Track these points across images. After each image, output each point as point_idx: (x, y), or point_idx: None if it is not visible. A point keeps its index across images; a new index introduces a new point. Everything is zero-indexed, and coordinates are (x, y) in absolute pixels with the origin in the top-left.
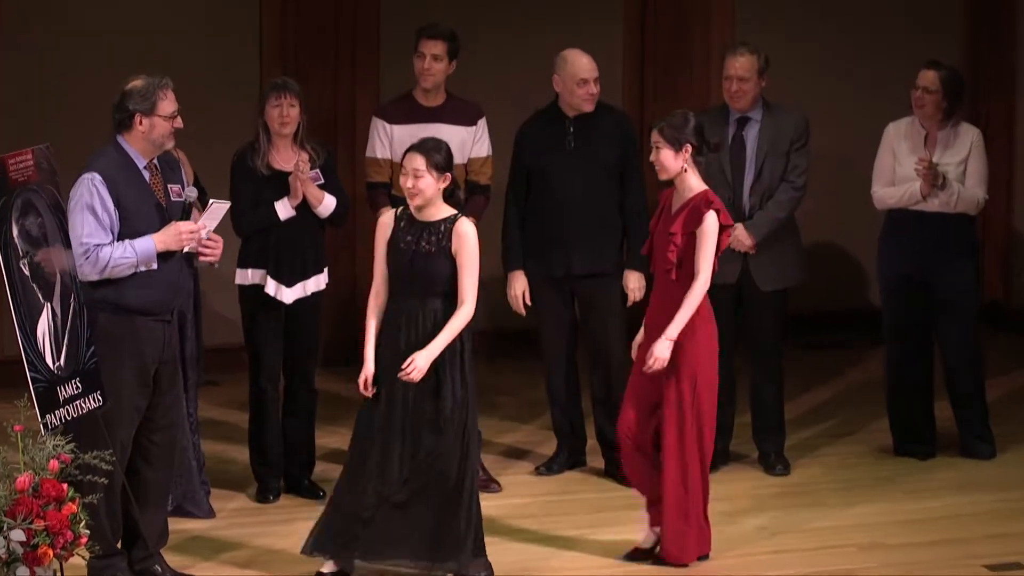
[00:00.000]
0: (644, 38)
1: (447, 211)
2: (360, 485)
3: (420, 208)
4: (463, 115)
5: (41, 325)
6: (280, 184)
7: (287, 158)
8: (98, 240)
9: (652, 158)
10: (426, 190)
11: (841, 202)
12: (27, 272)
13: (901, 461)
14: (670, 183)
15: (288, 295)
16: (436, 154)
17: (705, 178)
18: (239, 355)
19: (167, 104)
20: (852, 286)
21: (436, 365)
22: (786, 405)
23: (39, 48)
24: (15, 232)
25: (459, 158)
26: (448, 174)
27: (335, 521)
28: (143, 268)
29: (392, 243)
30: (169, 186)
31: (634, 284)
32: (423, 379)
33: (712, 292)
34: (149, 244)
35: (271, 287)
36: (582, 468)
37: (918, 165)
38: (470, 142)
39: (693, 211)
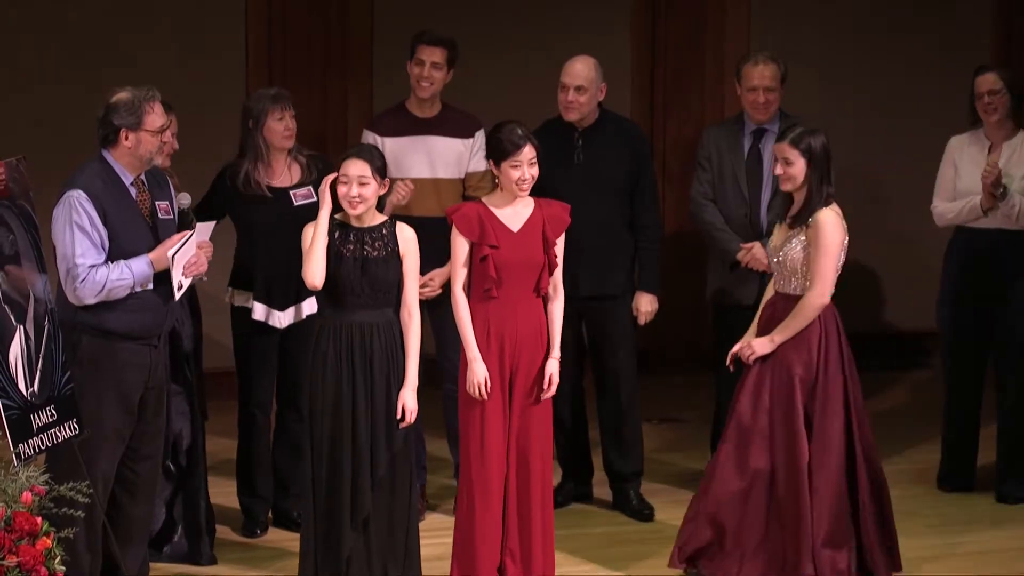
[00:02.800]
0: (654, 50)
1: (381, 216)
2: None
3: (359, 216)
4: (459, 127)
5: (13, 349)
6: (277, 205)
7: (282, 173)
8: (92, 260)
9: (527, 176)
10: (371, 197)
11: (861, 220)
12: None
13: (926, 493)
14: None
15: (281, 319)
16: (377, 159)
17: (718, 194)
18: (229, 380)
19: (154, 118)
20: (873, 308)
21: (389, 389)
22: None
23: (18, 59)
24: None
25: (456, 172)
26: (387, 179)
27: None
28: (139, 289)
29: (331, 254)
30: (157, 203)
31: (646, 307)
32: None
33: (729, 314)
34: (145, 265)
35: (259, 312)
36: (588, 501)
37: (987, 167)
38: (467, 155)
39: (555, 221)
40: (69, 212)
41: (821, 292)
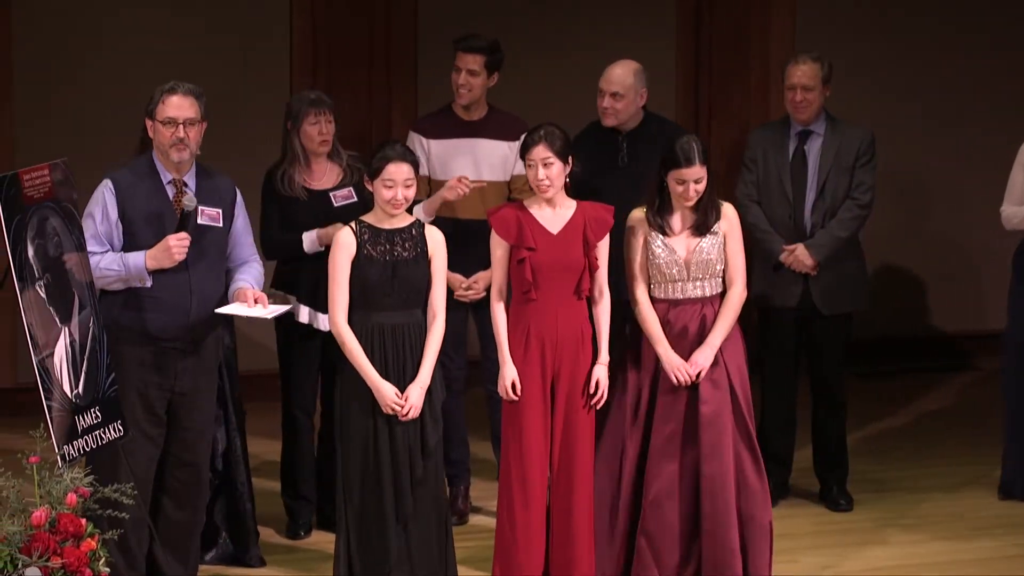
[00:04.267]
0: (699, 53)
1: (408, 217)
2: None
3: (390, 217)
4: (506, 130)
5: (58, 350)
6: (315, 206)
7: (322, 176)
8: (89, 249)
9: (541, 176)
10: (412, 198)
11: (904, 222)
12: (43, 295)
13: (973, 496)
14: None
15: (325, 322)
16: (412, 157)
17: (763, 195)
18: (271, 382)
19: (165, 108)
20: (916, 311)
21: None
22: (849, 436)
23: (63, 62)
24: (31, 252)
25: (502, 175)
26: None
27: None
28: (137, 283)
29: (361, 257)
30: (202, 209)
31: None
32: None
33: (773, 315)
34: (140, 259)
35: (304, 315)
36: None
37: None
38: (513, 158)
39: (597, 223)
40: (92, 199)
41: (745, 283)
